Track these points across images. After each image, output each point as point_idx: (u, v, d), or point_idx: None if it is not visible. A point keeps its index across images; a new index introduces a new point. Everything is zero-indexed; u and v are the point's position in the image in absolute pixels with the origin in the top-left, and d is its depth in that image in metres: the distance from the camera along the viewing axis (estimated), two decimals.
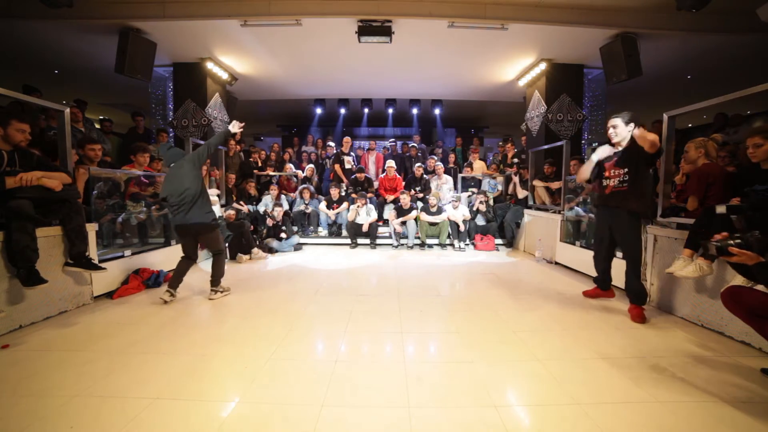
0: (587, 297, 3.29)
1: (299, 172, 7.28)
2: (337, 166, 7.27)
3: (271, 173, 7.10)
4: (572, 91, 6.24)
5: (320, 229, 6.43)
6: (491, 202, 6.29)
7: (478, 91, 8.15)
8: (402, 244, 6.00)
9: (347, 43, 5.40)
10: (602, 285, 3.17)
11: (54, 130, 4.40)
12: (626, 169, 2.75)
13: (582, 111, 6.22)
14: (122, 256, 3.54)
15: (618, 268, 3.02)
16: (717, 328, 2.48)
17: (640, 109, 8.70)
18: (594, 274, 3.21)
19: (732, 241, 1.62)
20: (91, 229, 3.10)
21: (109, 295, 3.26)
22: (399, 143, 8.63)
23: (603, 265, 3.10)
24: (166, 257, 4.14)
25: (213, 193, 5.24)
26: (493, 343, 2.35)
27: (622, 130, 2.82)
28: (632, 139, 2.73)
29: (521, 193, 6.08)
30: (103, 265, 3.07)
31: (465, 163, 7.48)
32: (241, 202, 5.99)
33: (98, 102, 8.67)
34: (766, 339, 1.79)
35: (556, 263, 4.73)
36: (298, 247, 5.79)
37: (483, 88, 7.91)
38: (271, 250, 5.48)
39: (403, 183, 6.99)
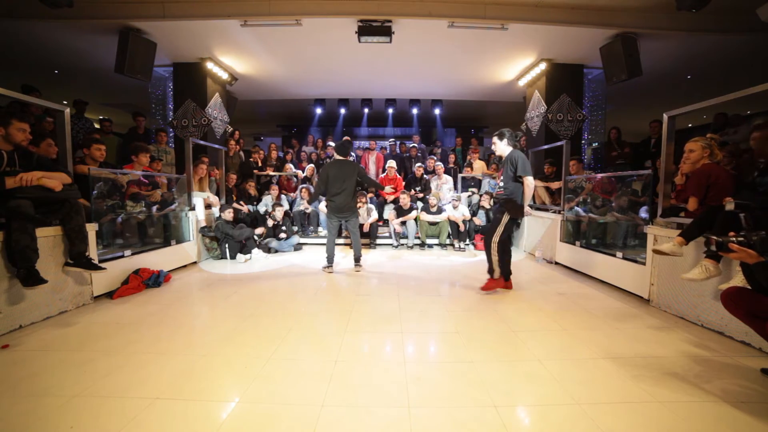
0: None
1: (299, 172, 7.28)
2: None
3: (271, 173, 7.10)
4: (572, 91, 6.23)
5: (320, 229, 6.42)
6: (491, 203, 6.29)
7: (478, 91, 8.15)
8: (402, 244, 6.00)
9: (347, 43, 5.40)
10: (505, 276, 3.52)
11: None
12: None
13: (582, 111, 6.22)
14: (122, 256, 3.54)
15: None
16: (717, 328, 2.48)
17: (640, 109, 8.72)
18: (595, 274, 3.21)
19: (734, 238, 1.62)
20: (91, 229, 3.10)
21: (109, 295, 3.26)
22: (398, 143, 8.61)
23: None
24: (166, 257, 4.14)
25: (201, 195, 5.19)
26: (493, 342, 2.35)
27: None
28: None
29: None
30: (103, 265, 3.07)
31: (465, 163, 7.47)
32: (241, 202, 5.98)
33: (98, 102, 8.67)
34: (766, 339, 1.79)
35: (556, 263, 4.73)
36: (298, 247, 5.79)
37: (483, 88, 7.90)
38: (270, 250, 5.48)
39: (404, 183, 6.98)
